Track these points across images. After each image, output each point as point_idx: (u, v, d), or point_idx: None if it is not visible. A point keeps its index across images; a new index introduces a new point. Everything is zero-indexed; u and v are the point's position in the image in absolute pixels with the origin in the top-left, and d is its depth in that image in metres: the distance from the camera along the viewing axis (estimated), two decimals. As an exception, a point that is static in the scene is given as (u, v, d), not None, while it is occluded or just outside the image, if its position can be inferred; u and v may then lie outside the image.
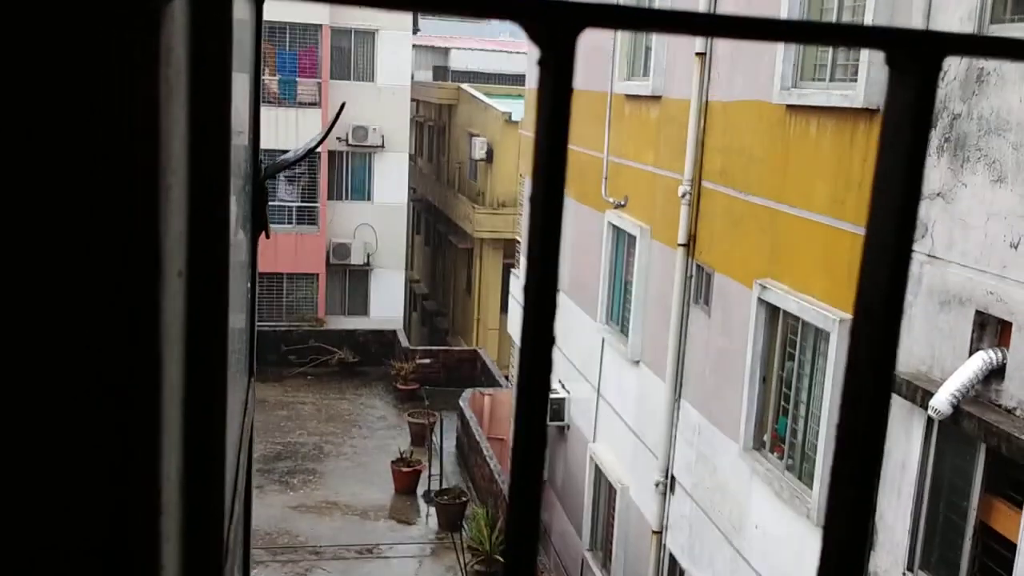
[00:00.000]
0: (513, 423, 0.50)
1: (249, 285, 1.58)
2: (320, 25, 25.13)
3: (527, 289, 0.44)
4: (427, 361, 23.02)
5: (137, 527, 0.54)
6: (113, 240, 0.48)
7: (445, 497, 16.60)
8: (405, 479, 17.48)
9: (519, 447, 0.49)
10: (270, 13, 23.57)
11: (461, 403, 19.19)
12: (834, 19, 8.21)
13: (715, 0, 10.20)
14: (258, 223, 1.59)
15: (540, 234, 0.49)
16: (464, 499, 16.68)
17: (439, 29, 44.12)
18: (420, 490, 17.54)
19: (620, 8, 0.46)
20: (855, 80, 7.75)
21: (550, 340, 0.49)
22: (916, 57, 0.48)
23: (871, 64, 7.43)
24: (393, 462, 17.75)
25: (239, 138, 1.25)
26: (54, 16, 0.44)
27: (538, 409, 0.49)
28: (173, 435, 0.68)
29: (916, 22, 6.92)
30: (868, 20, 7.44)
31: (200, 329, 0.66)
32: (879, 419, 0.52)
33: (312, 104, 25.03)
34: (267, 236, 1.63)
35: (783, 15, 8.64)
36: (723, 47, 10.14)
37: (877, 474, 0.56)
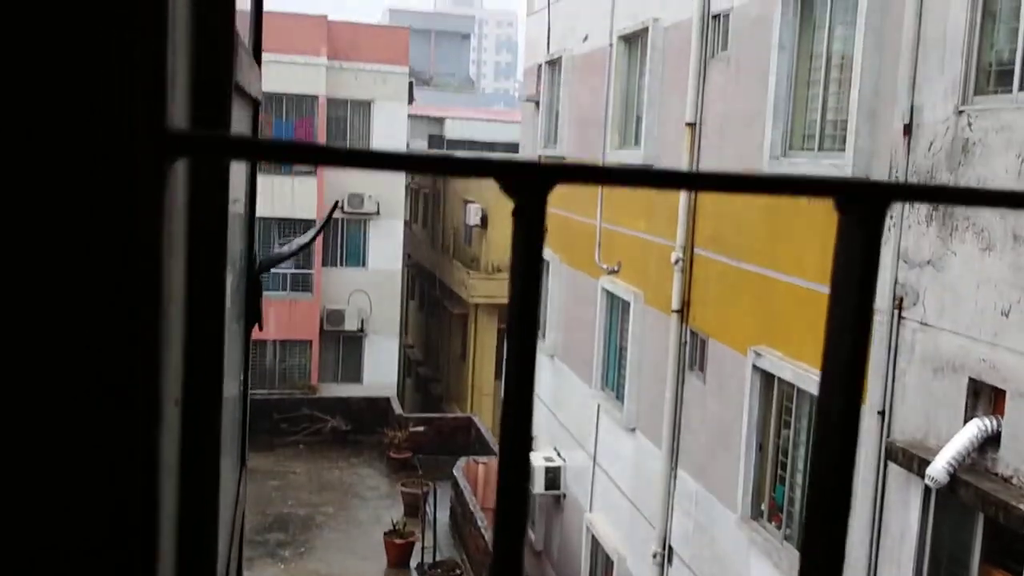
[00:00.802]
0: (496, 497, 0.52)
1: (242, 378, 1.58)
2: (316, 96, 25.49)
3: (502, 443, 0.46)
4: (421, 429, 22.82)
5: None
6: (113, 377, 0.50)
7: (439, 570, 16.32)
8: (398, 551, 17.20)
9: (501, 517, 0.50)
10: (267, 84, 23.92)
11: (455, 472, 18.99)
12: (820, 93, 8.36)
13: (703, 82, 10.39)
14: (252, 316, 1.61)
15: (515, 364, 0.50)
16: (458, 572, 16.40)
17: (434, 99, 44.79)
18: (413, 563, 17.25)
19: (585, 167, 0.50)
20: (843, 150, 7.86)
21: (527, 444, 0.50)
22: (863, 205, 0.51)
23: (858, 134, 7.55)
24: (386, 534, 17.48)
25: (235, 241, 1.27)
26: (66, 176, 0.47)
27: (520, 481, 0.50)
28: (167, 551, 0.67)
29: (902, 95, 7.05)
30: (854, 94, 7.58)
31: (194, 457, 0.67)
32: (846, 484, 0.53)
33: (308, 173, 25.26)
34: (260, 328, 1.64)
35: (771, 91, 8.80)
36: (713, 117, 10.31)
37: (845, 537, 0.58)
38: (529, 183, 0.50)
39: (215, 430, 0.78)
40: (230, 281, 1.23)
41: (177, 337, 0.58)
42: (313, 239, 2.82)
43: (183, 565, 0.79)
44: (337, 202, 3.70)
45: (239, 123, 1.22)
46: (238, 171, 1.33)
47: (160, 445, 0.53)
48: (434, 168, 0.52)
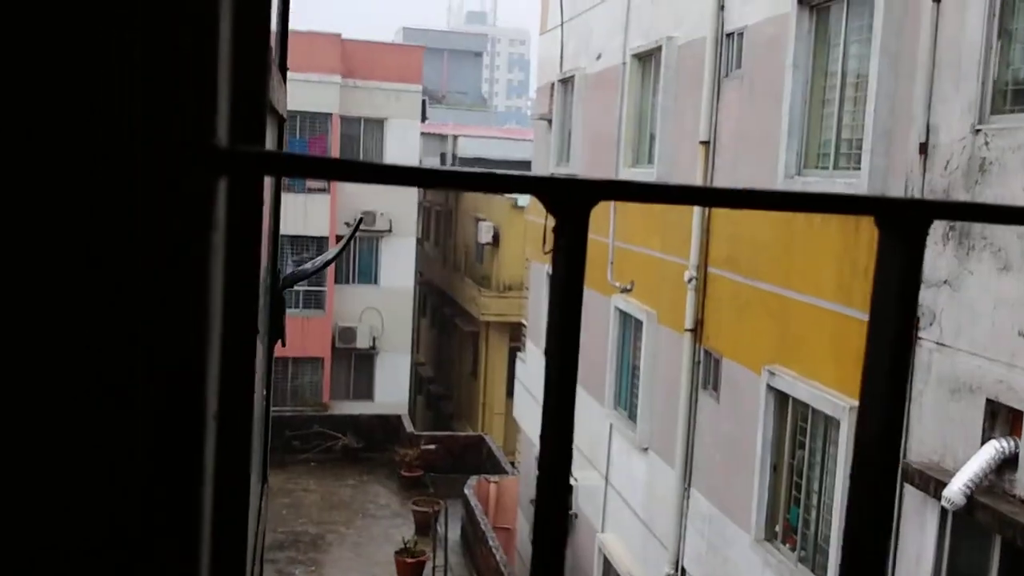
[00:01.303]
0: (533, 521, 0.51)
1: (265, 392, 1.58)
2: (330, 114, 25.64)
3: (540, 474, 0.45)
4: (432, 447, 22.79)
5: None
6: (161, 390, 0.51)
7: (450, 587, 16.25)
8: (409, 570, 17.14)
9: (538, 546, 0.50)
10: (281, 102, 24.04)
11: (466, 491, 18.94)
12: (835, 112, 8.36)
13: (717, 101, 10.40)
14: (275, 332, 1.61)
15: (556, 390, 0.50)
16: (469, 589, 16.33)
17: (447, 117, 45.00)
18: (425, 580, 17.20)
19: (626, 183, 0.50)
20: (858, 168, 7.85)
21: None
22: (904, 222, 0.51)
23: (874, 153, 7.54)
24: (397, 552, 17.44)
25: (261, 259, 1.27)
26: (119, 190, 0.48)
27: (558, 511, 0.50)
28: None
29: (917, 113, 7.04)
30: (869, 113, 7.57)
31: (227, 470, 0.68)
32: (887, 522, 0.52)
33: (321, 190, 25.37)
34: (283, 344, 1.64)
35: (785, 110, 8.80)
36: (727, 135, 10.31)
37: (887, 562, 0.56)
38: (571, 200, 0.50)
39: (246, 445, 0.78)
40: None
41: (216, 350, 0.59)
42: (338, 255, 2.83)
43: (216, 573, 0.79)
44: (362, 218, 3.72)
45: (268, 140, 1.22)
46: (264, 189, 1.34)
47: (205, 456, 0.54)
48: (476, 185, 0.51)
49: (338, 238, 25.82)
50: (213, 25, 0.49)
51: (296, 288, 25.76)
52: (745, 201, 0.53)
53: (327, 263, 2.86)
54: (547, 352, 0.52)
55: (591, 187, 0.50)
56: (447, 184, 0.49)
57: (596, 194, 0.50)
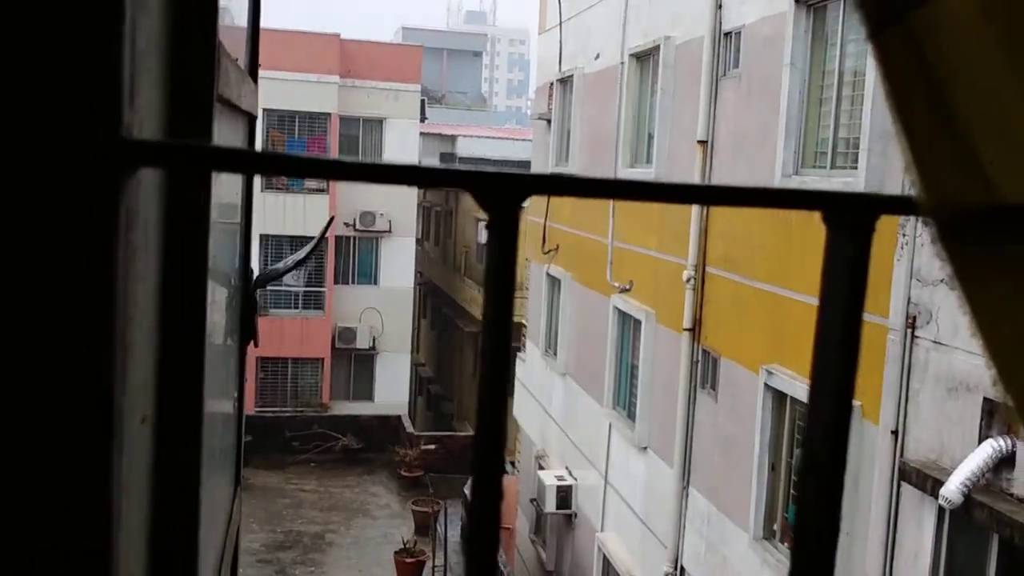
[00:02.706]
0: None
1: (236, 395, 1.57)
2: (329, 114, 25.63)
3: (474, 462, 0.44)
4: (432, 447, 22.81)
5: None
6: (61, 397, 0.49)
7: (450, 587, 16.25)
8: (409, 570, 17.15)
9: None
10: (280, 102, 24.05)
11: (466, 491, 18.95)
12: (832, 111, 8.34)
13: (715, 100, 10.39)
14: (247, 333, 1.60)
15: (488, 384, 0.49)
16: (469, 590, 16.33)
17: (446, 117, 45.02)
18: (424, 580, 17.20)
19: (557, 177, 0.49)
20: (855, 168, 7.84)
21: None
22: (851, 218, 0.50)
23: (871, 152, 7.53)
24: (396, 552, 17.45)
25: (229, 258, 1.26)
26: (14, 182, 0.46)
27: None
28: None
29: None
30: (867, 112, 7.56)
31: (169, 474, 0.66)
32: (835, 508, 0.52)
33: (319, 191, 25.37)
34: (256, 345, 1.63)
35: (782, 109, 8.79)
36: (725, 135, 10.30)
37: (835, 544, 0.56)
38: (501, 194, 0.49)
39: (194, 447, 0.77)
40: (224, 297, 1.22)
41: (146, 352, 0.57)
42: (309, 255, 2.82)
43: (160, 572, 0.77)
44: (332, 218, 3.73)
45: (231, 136, 1.21)
46: (233, 187, 1.33)
47: (113, 461, 0.51)
48: (406, 179, 0.50)
49: (337, 238, 25.82)
50: (116, 14, 0.47)
51: (294, 288, 25.76)
52: (687, 196, 0.52)
53: (299, 263, 2.85)
54: (481, 348, 0.51)
55: (520, 181, 0.50)
56: (368, 178, 0.48)
57: (526, 188, 0.50)
